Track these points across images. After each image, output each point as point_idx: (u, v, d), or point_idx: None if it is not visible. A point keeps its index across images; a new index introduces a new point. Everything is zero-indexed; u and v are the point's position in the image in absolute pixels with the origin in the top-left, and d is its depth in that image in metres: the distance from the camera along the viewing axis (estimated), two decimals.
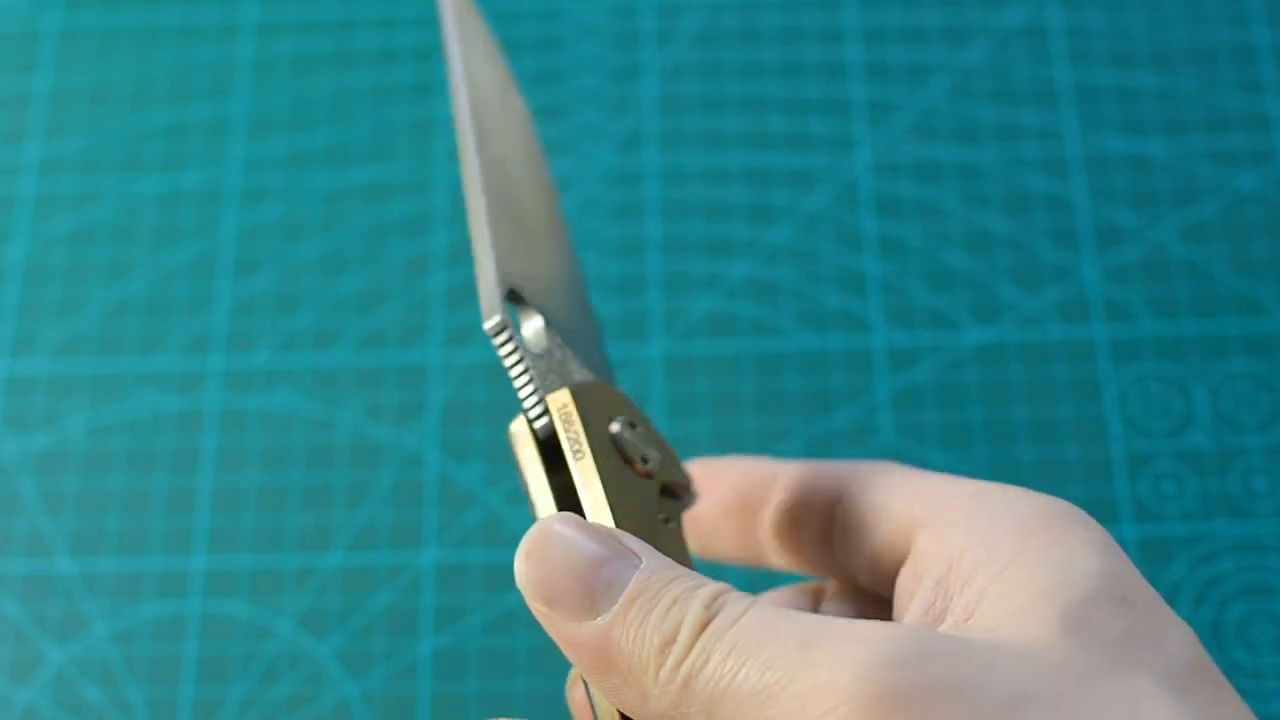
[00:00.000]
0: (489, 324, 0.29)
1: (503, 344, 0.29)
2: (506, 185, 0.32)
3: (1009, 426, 0.46)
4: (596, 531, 0.27)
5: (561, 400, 0.29)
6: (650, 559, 0.27)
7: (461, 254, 0.50)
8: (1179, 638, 0.25)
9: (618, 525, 0.28)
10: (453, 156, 0.51)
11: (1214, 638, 0.44)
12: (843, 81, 0.52)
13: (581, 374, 0.30)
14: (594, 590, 0.26)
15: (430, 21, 0.54)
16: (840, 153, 0.51)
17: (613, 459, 0.29)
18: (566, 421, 0.29)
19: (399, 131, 0.52)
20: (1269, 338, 0.47)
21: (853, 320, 0.48)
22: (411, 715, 0.43)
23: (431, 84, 0.52)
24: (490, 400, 0.47)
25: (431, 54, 0.53)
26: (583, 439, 0.29)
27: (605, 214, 0.50)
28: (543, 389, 0.30)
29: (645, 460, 0.30)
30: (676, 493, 0.31)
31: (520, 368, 0.30)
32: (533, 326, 0.31)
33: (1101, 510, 0.45)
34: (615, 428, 0.30)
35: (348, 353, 0.48)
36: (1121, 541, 0.45)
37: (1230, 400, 0.47)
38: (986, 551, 0.26)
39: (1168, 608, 0.26)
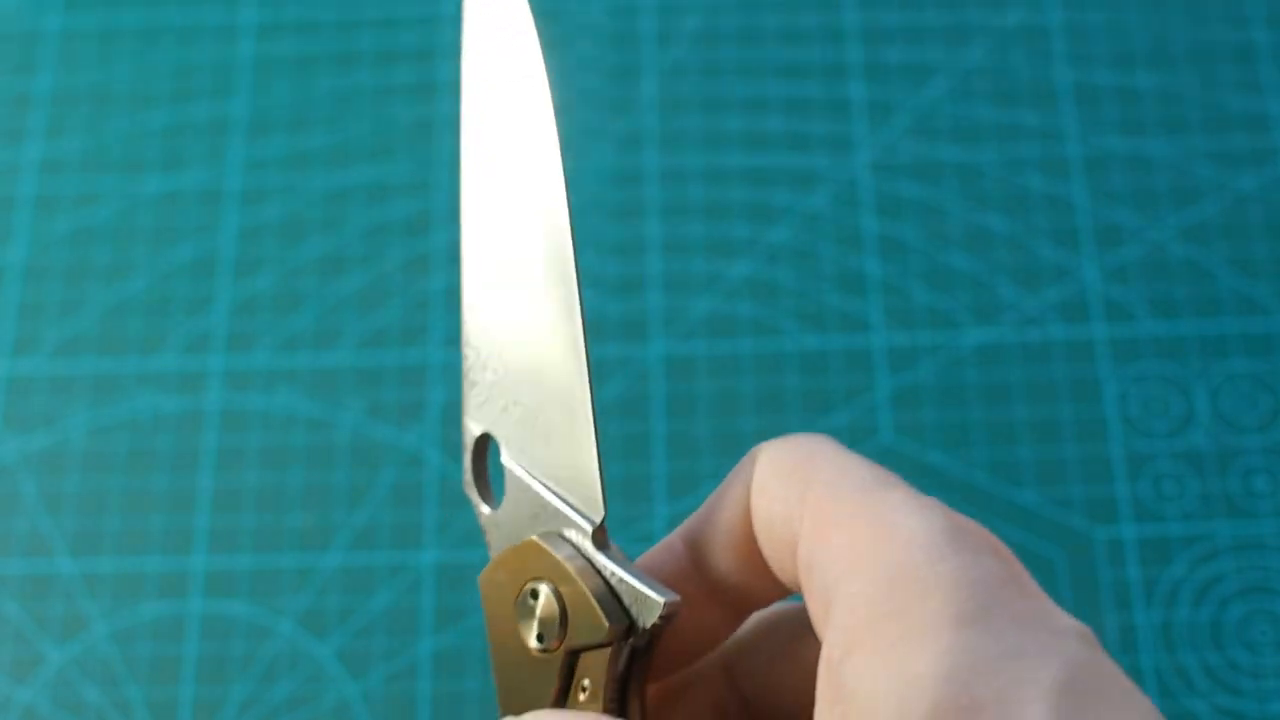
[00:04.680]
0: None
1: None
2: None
3: (1009, 426, 0.46)
4: None
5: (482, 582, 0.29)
6: None
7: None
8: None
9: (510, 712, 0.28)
10: (453, 157, 0.51)
11: (1214, 638, 0.44)
12: (843, 81, 0.52)
13: (536, 522, 0.29)
14: None
15: (430, 21, 0.54)
16: (840, 153, 0.51)
17: (511, 643, 0.28)
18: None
19: (399, 131, 0.52)
20: (1269, 338, 0.47)
21: (853, 320, 0.48)
22: (411, 715, 0.43)
23: (432, 84, 0.52)
24: None
25: (432, 54, 0.53)
26: (489, 628, 0.28)
27: (605, 214, 0.50)
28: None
29: (540, 638, 0.28)
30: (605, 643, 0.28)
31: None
32: (511, 476, 0.29)
33: (1101, 510, 0.45)
34: (511, 609, 0.28)
35: (348, 353, 0.48)
36: (1121, 542, 0.45)
37: (1230, 400, 0.47)
38: (842, 646, 0.24)
39: (1025, 674, 0.22)
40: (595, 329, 0.48)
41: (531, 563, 0.28)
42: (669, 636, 0.28)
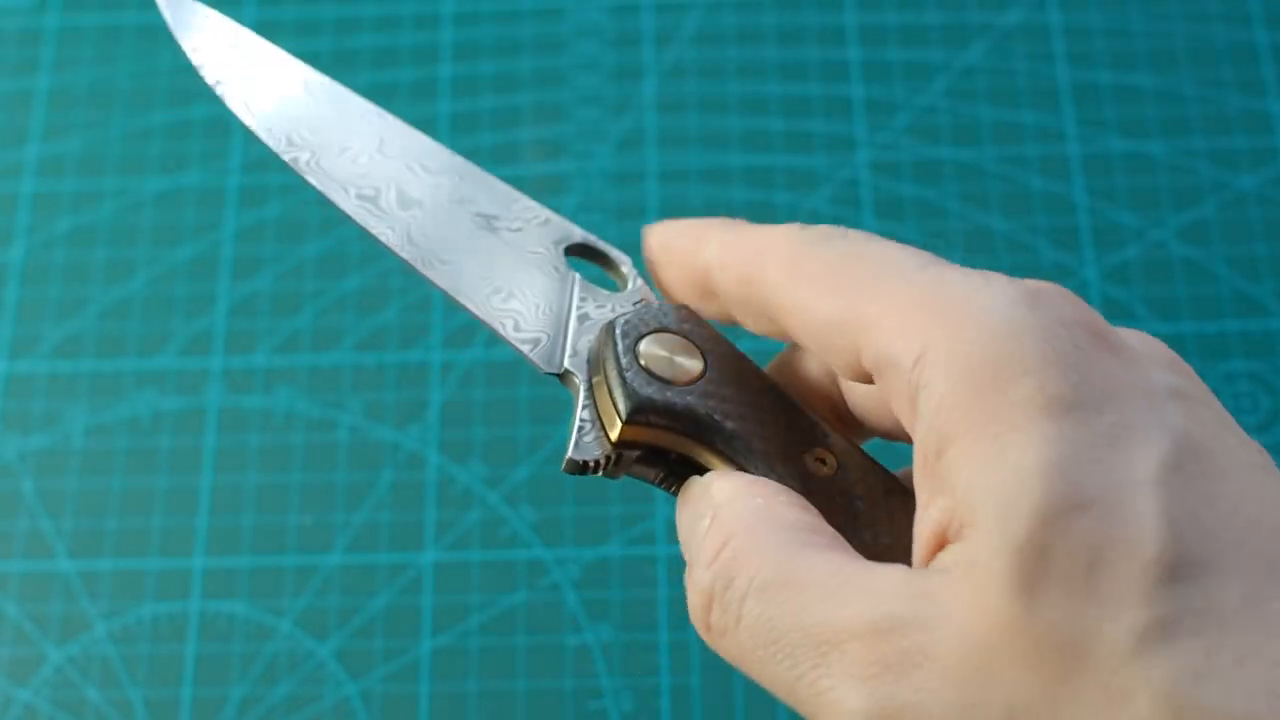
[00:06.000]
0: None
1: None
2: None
3: None
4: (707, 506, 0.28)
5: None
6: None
7: None
8: (1154, 526, 0.21)
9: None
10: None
11: None
12: (843, 81, 0.52)
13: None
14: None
15: (430, 21, 0.54)
16: (840, 153, 0.51)
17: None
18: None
19: None
20: (1269, 338, 0.47)
21: None
22: (411, 715, 0.43)
23: (432, 84, 0.52)
24: (490, 400, 0.47)
25: (433, 54, 0.53)
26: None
27: (605, 214, 0.50)
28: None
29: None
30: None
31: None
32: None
33: None
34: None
35: (348, 353, 0.48)
36: None
37: (1230, 400, 0.47)
38: (935, 441, 0.23)
39: (1128, 459, 0.22)
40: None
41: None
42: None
